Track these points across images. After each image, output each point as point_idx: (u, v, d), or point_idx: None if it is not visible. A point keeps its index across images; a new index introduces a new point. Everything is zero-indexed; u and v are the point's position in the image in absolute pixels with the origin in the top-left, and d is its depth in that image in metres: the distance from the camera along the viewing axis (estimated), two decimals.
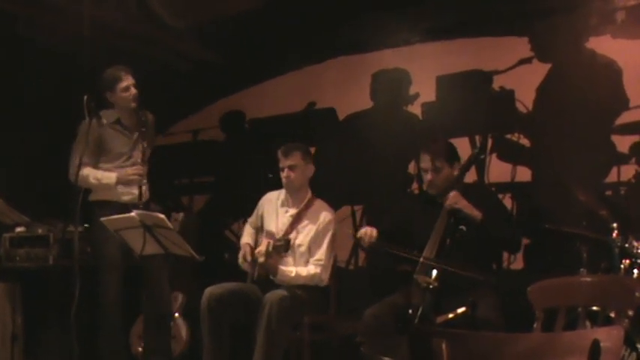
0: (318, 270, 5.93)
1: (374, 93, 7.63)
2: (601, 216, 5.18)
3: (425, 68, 7.31)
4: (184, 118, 8.73)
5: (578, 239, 5.37)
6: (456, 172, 5.44)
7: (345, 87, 7.74)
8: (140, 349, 6.65)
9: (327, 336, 6.18)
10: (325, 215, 6.03)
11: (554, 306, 3.72)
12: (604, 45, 6.51)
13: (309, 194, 6.13)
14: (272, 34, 7.83)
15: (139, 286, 6.21)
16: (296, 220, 6.02)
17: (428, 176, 5.44)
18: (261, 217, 6.25)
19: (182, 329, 7.05)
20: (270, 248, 5.74)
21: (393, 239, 5.42)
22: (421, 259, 5.16)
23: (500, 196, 6.49)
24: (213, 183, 8.65)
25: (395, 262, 5.72)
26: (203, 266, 6.51)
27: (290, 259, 5.96)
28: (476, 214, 5.20)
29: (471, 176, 6.42)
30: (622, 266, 4.91)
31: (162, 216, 5.43)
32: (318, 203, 6.11)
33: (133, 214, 5.43)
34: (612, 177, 6.43)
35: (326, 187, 6.61)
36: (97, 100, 6.00)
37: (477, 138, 6.94)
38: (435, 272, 5.05)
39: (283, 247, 5.73)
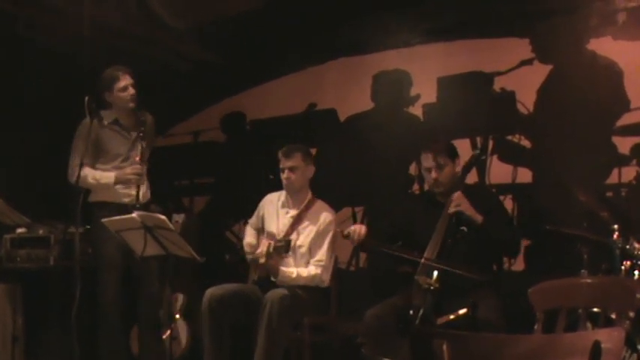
0: (319, 271, 5.93)
1: (375, 94, 7.63)
2: (602, 217, 5.18)
3: (426, 69, 7.31)
4: (185, 119, 8.73)
5: (578, 241, 5.36)
6: (458, 169, 5.44)
7: (346, 88, 7.74)
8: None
9: (327, 337, 6.18)
10: (326, 216, 6.03)
11: (554, 307, 3.71)
12: (605, 46, 6.51)
13: (310, 195, 6.13)
14: (272, 35, 7.84)
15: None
16: (296, 221, 6.02)
17: (432, 174, 5.44)
18: (262, 219, 6.25)
19: (183, 330, 7.04)
20: (271, 249, 5.74)
21: (394, 240, 5.42)
22: (422, 260, 5.16)
23: (501, 197, 6.48)
24: (213, 184, 8.65)
25: (396, 264, 5.73)
26: (204, 267, 6.51)
27: (290, 260, 5.97)
28: (477, 217, 5.21)
29: (472, 177, 6.42)
30: (623, 268, 4.91)
31: (163, 217, 5.42)
32: (319, 204, 6.11)
33: (134, 215, 5.43)
34: (613, 178, 6.43)
35: (327, 189, 6.60)
36: (97, 100, 6.02)
37: (478, 139, 6.93)
38: (435, 273, 5.05)
39: (284, 247, 5.73)
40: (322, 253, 5.96)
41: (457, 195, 5.24)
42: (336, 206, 6.29)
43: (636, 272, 4.88)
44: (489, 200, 5.67)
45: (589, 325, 4.06)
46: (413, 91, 7.41)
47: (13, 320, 6.58)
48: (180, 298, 7.13)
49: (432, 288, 5.02)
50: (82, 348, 5.83)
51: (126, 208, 5.89)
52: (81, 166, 5.88)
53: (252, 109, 8.36)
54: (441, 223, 5.24)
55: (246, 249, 6.17)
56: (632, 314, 4.13)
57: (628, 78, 6.40)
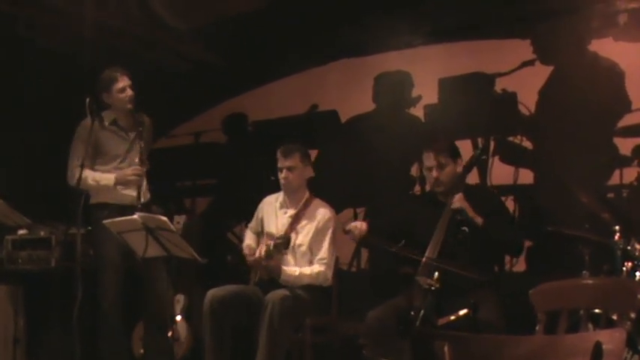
0: (323, 268, 5.92)
1: (376, 95, 7.63)
2: (603, 218, 5.17)
3: (427, 71, 7.32)
4: (186, 120, 8.73)
5: (580, 242, 5.36)
6: (459, 169, 5.45)
7: (348, 89, 7.75)
8: (142, 351, 6.66)
9: (329, 338, 6.18)
10: (324, 213, 6.03)
11: (556, 308, 3.71)
12: (606, 47, 6.52)
13: (307, 194, 6.13)
14: (274, 36, 7.84)
15: (140, 288, 6.21)
16: (295, 221, 6.02)
17: (433, 173, 5.44)
18: (261, 221, 6.25)
19: (184, 331, 7.04)
20: (272, 247, 5.76)
21: (394, 239, 5.41)
22: (423, 259, 5.16)
23: (502, 198, 6.48)
24: (215, 185, 8.66)
25: (397, 264, 5.72)
26: (205, 268, 6.52)
27: (291, 260, 5.96)
28: (478, 219, 5.21)
29: (473, 178, 6.44)
30: (624, 269, 4.91)
31: (164, 218, 5.42)
32: (317, 202, 6.11)
33: (135, 216, 5.42)
34: (614, 179, 6.44)
35: (328, 190, 6.61)
36: (98, 102, 6.03)
37: (480, 140, 6.93)
38: (436, 274, 5.05)
39: (283, 244, 5.74)
40: (324, 251, 5.96)
41: (459, 196, 5.24)
42: (337, 207, 6.29)
43: (637, 273, 4.87)
44: (491, 201, 5.67)
45: (590, 326, 4.05)
46: (414, 92, 7.42)
47: (14, 322, 6.58)
48: (182, 299, 7.12)
49: (432, 288, 5.01)
50: (83, 349, 5.83)
51: (126, 209, 5.89)
52: (81, 167, 5.89)
53: (253, 110, 8.37)
54: (442, 222, 5.24)
55: (246, 251, 6.17)
56: (633, 315, 4.11)
57: (629, 79, 6.40)
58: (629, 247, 4.92)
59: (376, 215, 7.38)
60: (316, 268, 5.92)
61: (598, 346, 2.63)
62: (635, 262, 4.90)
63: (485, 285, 5.14)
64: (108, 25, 7.25)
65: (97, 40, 7.10)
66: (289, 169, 5.99)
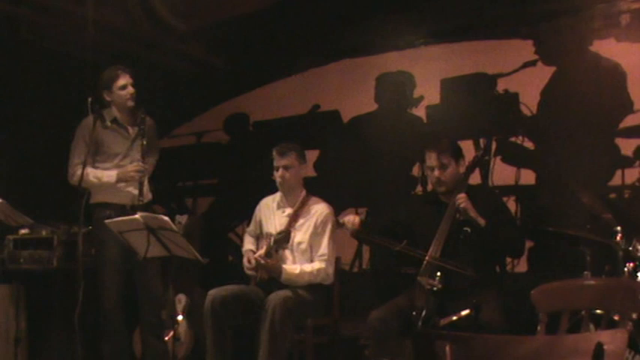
0: (323, 265, 5.93)
1: (378, 96, 7.63)
2: (605, 219, 5.18)
3: (429, 71, 7.31)
4: (188, 120, 8.73)
5: (581, 242, 5.36)
6: (462, 170, 5.45)
7: (350, 90, 7.74)
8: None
9: (330, 338, 6.18)
10: (322, 209, 6.04)
11: (557, 309, 3.71)
12: (608, 48, 6.51)
13: (304, 193, 6.14)
14: (276, 37, 7.84)
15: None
16: (293, 219, 6.02)
17: (435, 173, 5.45)
18: (260, 223, 6.26)
19: (185, 332, 7.04)
20: (272, 243, 5.78)
21: (396, 239, 5.41)
22: (426, 259, 5.17)
23: (504, 198, 6.48)
24: (217, 185, 8.65)
25: (398, 264, 5.73)
26: (207, 269, 6.52)
27: (291, 258, 5.97)
28: (480, 220, 5.21)
29: (475, 179, 6.43)
30: (626, 269, 4.91)
31: (166, 218, 5.43)
32: (314, 200, 6.12)
33: (137, 216, 5.43)
34: (616, 180, 6.43)
35: (330, 189, 6.62)
36: (99, 101, 6.04)
37: (482, 141, 6.93)
38: (438, 274, 5.05)
39: (284, 238, 5.79)
40: (324, 247, 5.97)
41: (461, 195, 5.24)
42: (339, 207, 6.29)
43: (639, 274, 4.88)
44: (493, 201, 5.68)
45: (592, 326, 4.06)
46: (416, 93, 7.41)
47: (16, 321, 6.58)
48: (183, 299, 7.13)
49: (434, 289, 5.02)
50: (84, 349, 5.84)
51: (128, 209, 5.90)
52: (83, 165, 5.90)
53: (255, 110, 8.37)
54: (445, 222, 5.24)
55: (245, 263, 6.15)
56: (634, 316, 4.11)
57: (631, 80, 6.39)
58: (630, 248, 4.92)
59: (378, 215, 7.37)
60: (317, 265, 5.92)
61: (599, 347, 2.63)
62: (637, 263, 4.90)
63: (487, 285, 5.15)
64: (110, 27, 7.25)
65: (99, 42, 7.10)
66: (285, 167, 6.00)
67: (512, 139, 6.90)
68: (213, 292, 5.78)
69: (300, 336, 5.93)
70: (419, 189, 7.28)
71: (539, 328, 3.70)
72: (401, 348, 5.02)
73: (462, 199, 5.23)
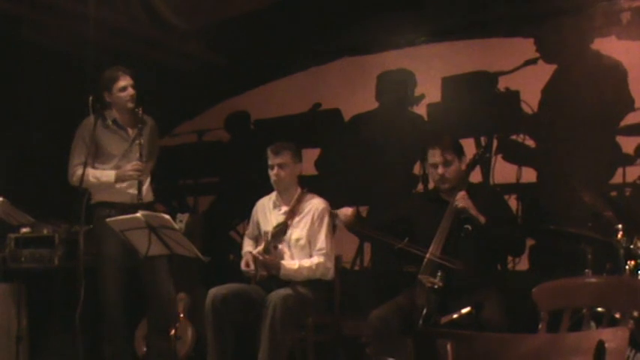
0: (322, 259, 5.93)
1: (379, 94, 7.63)
2: (606, 217, 5.17)
3: (430, 69, 7.31)
4: (189, 118, 8.74)
5: (583, 240, 5.35)
6: (464, 167, 5.45)
7: (351, 88, 7.74)
8: (145, 349, 6.66)
9: (331, 337, 6.18)
10: (318, 204, 6.06)
11: (558, 307, 3.71)
12: (609, 46, 6.51)
13: (299, 190, 6.15)
14: (277, 36, 7.85)
15: (142, 286, 6.21)
16: (290, 216, 6.03)
17: (438, 170, 5.44)
18: (257, 224, 6.27)
19: (187, 330, 7.04)
20: (270, 237, 5.83)
21: (397, 237, 5.40)
22: (427, 256, 5.17)
23: (505, 197, 6.48)
24: (218, 184, 8.66)
25: (399, 262, 5.73)
26: (208, 267, 6.52)
27: (290, 256, 5.97)
28: (481, 218, 5.21)
29: (476, 177, 6.43)
30: (627, 267, 4.90)
31: (167, 217, 5.43)
32: (309, 196, 6.14)
33: (138, 214, 5.43)
34: (617, 178, 6.42)
35: (331, 188, 6.61)
36: (100, 101, 6.05)
37: (483, 139, 6.93)
38: (439, 272, 5.06)
39: (281, 231, 5.85)
40: (322, 241, 5.97)
41: (462, 193, 5.24)
42: (340, 205, 6.28)
43: None
44: (494, 199, 5.68)
45: (593, 324, 4.05)
46: (417, 91, 7.41)
47: (17, 320, 6.58)
48: (185, 297, 7.13)
49: (435, 287, 5.02)
50: (85, 348, 5.85)
51: (128, 208, 5.90)
52: (84, 166, 5.90)
53: (256, 108, 8.37)
54: (446, 220, 5.24)
55: (243, 266, 6.16)
56: (636, 314, 4.11)
57: (632, 77, 6.39)
58: (631, 246, 4.91)
59: (379, 213, 7.37)
60: (315, 259, 5.93)
61: (601, 345, 2.63)
62: (638, 261, 4.89)
63: (488, 284, 5.15)
64: (111, 25, 7.25)
65: (100, 40, 7.11)
66: (280, 166, 6.01)
67: (514, 137, 6.89)
68: (213, 291, 5.78)
69: (301, 334, 5.94)
70: (420, 187, 7.28)
71: (540, 326, 3.69)
72: (402, 346, 5.01)
73: (461, 197, 5.23)
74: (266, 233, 6.05)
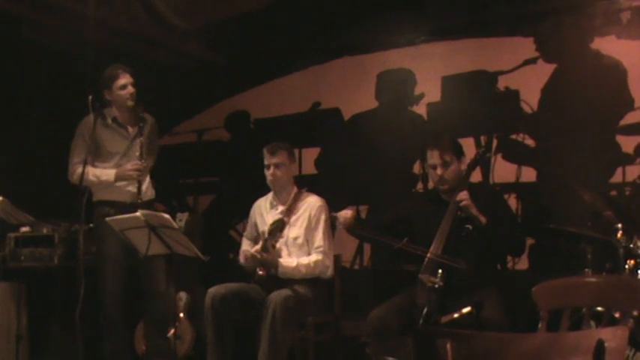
0: (320, 257, 5.93)
1: (379, 93, 7.63)
2: (606, 216, 5.17)
3: (430, 68, 7.31)
4: (189, 118, 8.74)
5: (582, 240, 5.36)
6: (463, 168, 5.45)
7: (350, 87, 7.75)
8: (144, 348, 6.66)
9: (331, 336, 6.18)
10: (314, 202, 6.06)
11: (558, 306, 3.71)
12: (609, 45, 6.51)
13: (296, 189, 6.16)
14: (277, 35, 7.85)
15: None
16: (287, 215, 6.03)
17: (437, 171, 5.43)
18: (255, 225, 6.27)
19: (187, 329, 7.04)
20: (267, 235, 5.83)
21: (397, 237, 5.41)
22: (428, 256, 5.17)
23: (505, 196, 6.48)
24: (218, 183, 8.66)
25: (399, 262, 5.73)
26: (207, 266, 6.52)
27: (287, 253, 5.97)
28: (482, 218, 5.21)
29: (476, 176, 6.43)
30: (627, 267, 4.89)
31: (167, 216, 5.43)
32: (305, 195, 6.15)
33: (138, 213, 5.43)
34: (617, 177, 6.43)
35: (331, 187, 6.61)
36: (100, 99, 6.05)
37: (482, 138, 6.94)
38: (440, 272, 5.05)
39: (278, 227, 5.84)
40: (319, 239, 5.98)
41: (463, 193, 5.24)
42: (340, 205, 6.28)
43: None
44: (493, 199, 5.67)
45: (593, 324, 4.06)
46: (417, 90, 7.42)
47: (17, 319, 6.58)
48: (184, 296, 7.13)
49: (436, 286, 5.02)
50: (85, 346, 5.85)
51: (128, 207, 5.90)
52: (84, 164, 5.90)
53: (256, 108, 8.37)
54: (446, 220, 5.24)
55: (241, 258, 6.17)
56: (635, 313, 4.10)
57: (632, 77, 6.40)
58: (631, 245, 4.91)
59: (379, 213, 7.38)
60: (313, 257, 5.93)
61: (600, 344, 2.64)
62: (638, 260, 4.89)
63: (488, 283, 5.15)
64: (111, 25, 7.25)
65: (100, 40, 7.11)
66: (277, 165, 6.02)
67: (513, 136, 6.90)
68: (213, 290, 5.78)
69: (301, 334, 5.93)
70: (420, 186, 7.28)
71: (540, 325, 3.69)
72: (402, 346, 5.01)
73: (464, 197, 5.23)
74: (263, 233, 6.06)
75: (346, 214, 5.59)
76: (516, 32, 6.90)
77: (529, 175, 6.82)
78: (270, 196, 6.23)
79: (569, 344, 2.88)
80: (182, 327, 6.97)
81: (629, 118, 6.40)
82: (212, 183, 8.70)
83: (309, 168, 7.83)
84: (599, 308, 4.13)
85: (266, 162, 6.05)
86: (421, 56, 7.38)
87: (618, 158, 6.41)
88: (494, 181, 6.86)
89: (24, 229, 6.87)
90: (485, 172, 6.85)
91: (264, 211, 6.20)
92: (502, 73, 6.93)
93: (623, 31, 6.46)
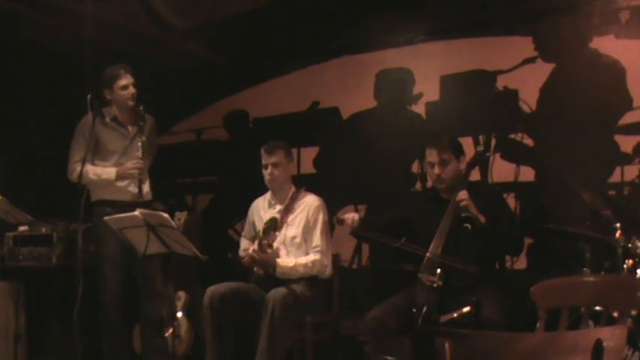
0: (318, 256, 5.94)
1: (378, 92, 7.63)
2: (604, 216, 5.17)
3: (429, 68, 7.31)
4: (188, 117, 8.73)
5: (581, 239, 5.35)
6: (462, 167, 5.44)
7: (349, 86, 7.74)
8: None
9: (330, 335, 6.18)
10: (312, 201, 6.07)
11: (557, 306, 3.71)
12: (608, 45, 6.51)
13: (293, 188, 6.17)
14: (275, 34, 7.84)
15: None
16: (285, 215, 6.04)
17: (435, 170, 5.42)
18: (253, 224, 6.27)
19: (185, 328, 7.04)
20: (261, 233, 5.81)
21: (396, 236, 5.40)
22: (427, 255, 5.16)
23: (503, 195, 6.48)
24: (216, 182, 8.65)
25: (398, 261, 5.72)
26: (206, 265, 6.52)
27: (285, 253, 5.97)
28: (481, 217, 5.20)
29: (474, 175, 6.42)
30: (625, 266, 4.89)
31: (165, 215, 5.43)
32: (303, 194, 6.15)
33: (136, 212, 5.43)
34: (616, 177, 6.43)
35: (330, 186, 6.61)
36: (100, 98, 6.05)
37: (481, 138, 6.94)
38: (439, 271, 5.05)
39: (271, 226, 5.79)
40: (317, 239, 5.98)
41: (463, 192, 5.23)
42: (338, 204, 6.31)
43: (638, 271, 4.87)
44: (493, 198, 5.67)
45: (591, 323, 4.06)
46: (416, 89, 7.42)
47: (15, 318, 6.59)
48: (183, 296, 7.13)
49: (435, 286, 5.02)
50: (84, 346, 5.85)
51: (128, 206, 5.89)
52: (83, 162, 5.90)
53: (254, 107, 8.37)
54: (445, 220, 5.23)
55: (242, 254, 6.17)
56: (634, 312, 4.12)
57: (630, 76, 6.40)
58: (629, 245, 4.91)
59: (378, 212, 7.37)
60: (311, 256, 5.94)
61: (599, 344, 2.63)
62: (636, 260, 4.89)
63: (487, 282, 5.15)
64: (110, 24, 7.25)
65: (99, 39, 7.11)
66: (274, 165, 6.03)
67: (512, 135, 6.90)
68: (211, 289, 5.78)
69: (299, 333, 5.93)
70: (418, 186, 7.28)
71: (538, 324, 3.69)
72: (400, 346, 5.01)
73: (463, 196, 5.22)
74: (259, 232, 6.06)
75: (353, 217, 5.54)
76: (515, 32, 6.90)
77: (528, 174, 6.83)
78: (268, 195, 6.23)
79: (568, 343, 2.88)
80: (180, 326, 6.97)
81: (628, 118, 6.40)
82: (211, 182, 8.69)
83: (307, 167, 7.82)
84: (597, 307, 4.13)
85: (263, 161, 6.06)
86: (420, 55, 7.37)
87: (617, 158, 6.42)
88: (492, 181, 6.86)
89: (22, 228, 6.86)
90: (484, 172, 6.85)
91: (262, 211, 6.21)
92: (501, 72, 6.93)
93: (622, 30, 6.46)
